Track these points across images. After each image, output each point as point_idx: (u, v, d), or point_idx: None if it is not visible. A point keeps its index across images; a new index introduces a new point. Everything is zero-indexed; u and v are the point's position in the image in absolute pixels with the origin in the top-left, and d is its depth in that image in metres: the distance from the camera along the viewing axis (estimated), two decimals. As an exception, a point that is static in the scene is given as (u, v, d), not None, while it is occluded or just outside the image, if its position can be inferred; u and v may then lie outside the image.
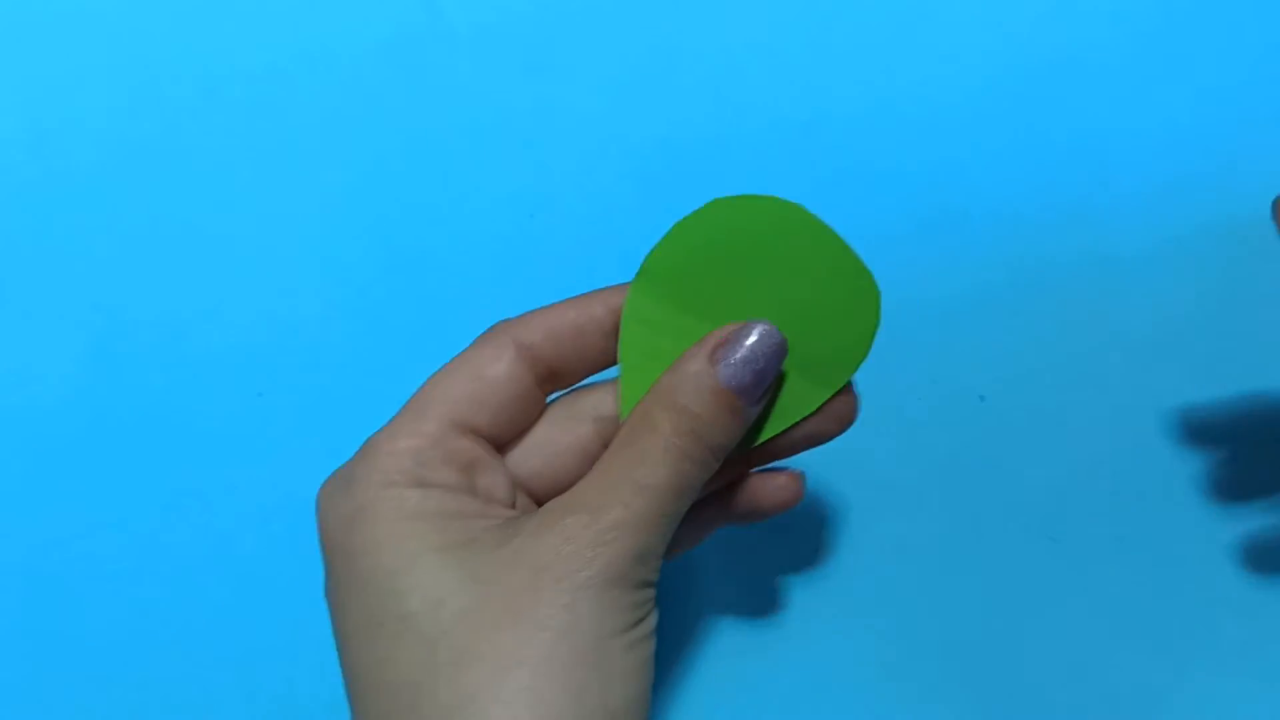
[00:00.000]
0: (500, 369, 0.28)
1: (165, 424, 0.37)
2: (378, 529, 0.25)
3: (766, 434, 0.29)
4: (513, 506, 0.28)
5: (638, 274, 0.28)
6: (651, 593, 0.26)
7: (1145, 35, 0.39)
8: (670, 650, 0.35)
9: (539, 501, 0.29)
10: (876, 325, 0.28)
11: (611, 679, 0.24)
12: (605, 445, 0.29)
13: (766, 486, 0.30)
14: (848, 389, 0.29)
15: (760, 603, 0.36)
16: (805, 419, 0.28)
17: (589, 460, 0.29)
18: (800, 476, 0.30)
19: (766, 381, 0.27)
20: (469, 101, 0.40)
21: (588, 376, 0.30)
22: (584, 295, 0.29)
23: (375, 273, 0.38)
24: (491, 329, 0.29)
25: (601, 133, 0.39)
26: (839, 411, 0.29)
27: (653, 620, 0.26)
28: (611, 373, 0.29)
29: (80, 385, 0.38)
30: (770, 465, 0.31)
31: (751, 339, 0.27)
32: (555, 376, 0.29)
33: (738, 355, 0.27)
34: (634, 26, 0.40)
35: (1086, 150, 0.38)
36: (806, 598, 0.36)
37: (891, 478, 0.36)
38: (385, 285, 0.38)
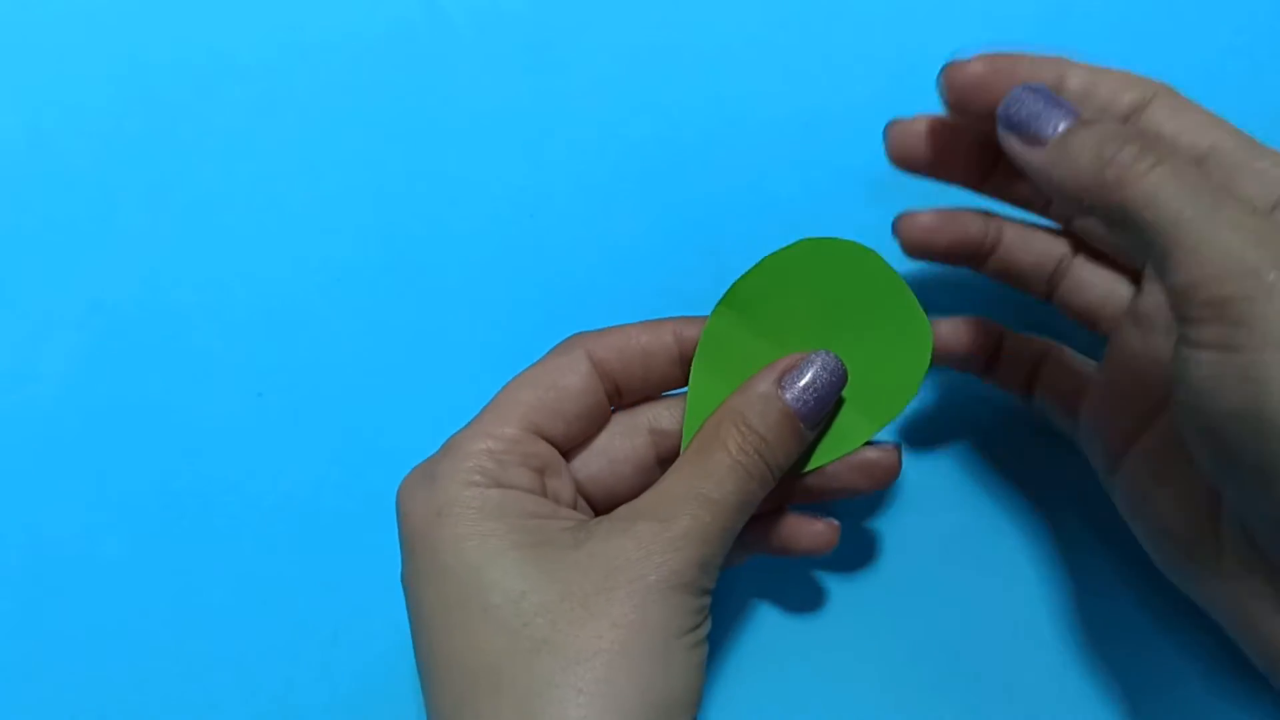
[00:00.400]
0: (576, 381, 0.30)
1: (164, 424, 0.37)
2: (460, 526, 0.28)
3: (815, 462, 0.31)
4: (575, 509, 0.31)
5: (722, 300, 0.31)
6: (709, 600, 0.29)
7: (1146, 34, 0.39)
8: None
9: (593, 504, 0.32)
10: (926, 368, 0.31)
11: (674, 675, 0.27)
12: (660, 457, 0.32)
13: (803, 528, 0.32)
14: (894, 451, 0.31)
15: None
16: (851, 461, 0.31)
17: (643, 470, 0.32)
18: (836, 528, 0.32)
19: (826, 408, 0.30)
20: (469, 100, 0.40)
21: (649, 396, 0.32)
22: (658, 321, 0.32)
23: (375, 272, 0.38)
24: (568, 341, 0.31)
25: (602, 131, 0.39)
26: (881, 469, 0.31)
27: (708, 626, 0.29)
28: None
29: (79, 385, 0.38)
30: (809, 507, 0.33)
31: (816, 367, 0.30)
32: (620, 393, 0.32)
33: (802, 381, 0.29)
34: (634, 25, 0.40)
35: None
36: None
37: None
38: (385, 284, 0.38)
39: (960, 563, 0.36)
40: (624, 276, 0.38)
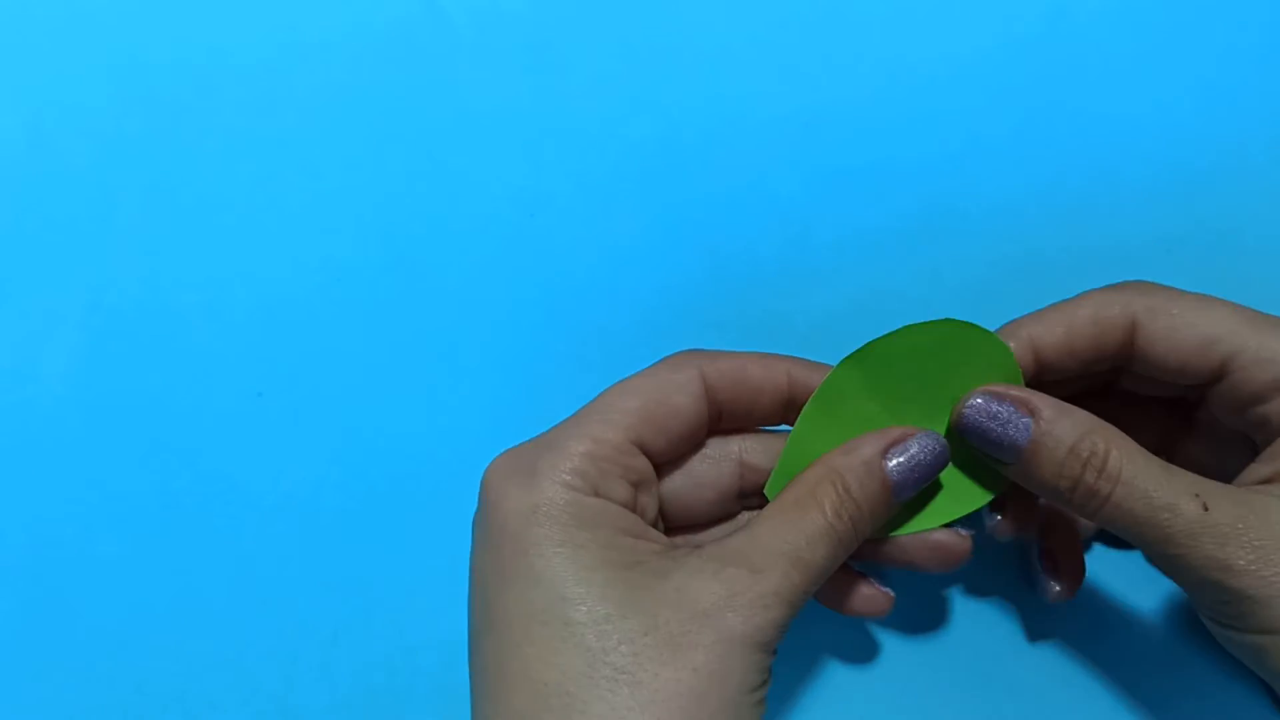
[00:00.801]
0: (686, 401, 0.30)
1: (164, 423, 0.37)
2: (555, 530, 0.27)
3: (893, 531, 0.31)
4: (656, 526, 0.30)
5: (854, 355, 0.30)
6: (772, 660, 0.28)
7: (1146, 32, 0.39)
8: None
9: (667, 520, 0.32)
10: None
11: None
12: (743, 490, 0.32)
13: (861, 590, 0.32)
14: (967, 539, 0.31)
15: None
16: (927, 540, 0.31)
17: (724, 497, 0.32)
18: (891, 599, 0.32)
19: (922, 486, 0.30)
20: (469, 99, 0.39)
21: (745, 428, 0.32)
22: (774, 356, 0.31)
23: (375, 272, 0.38)
24: (680, 356, 0.31)
25: (602, 131, 0.39)
26: (953, 554, 0.31)
27: (768, 687, 0.28)
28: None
29: (79, 384, 0.38)
30: (870, 570, 0.33)
31: (922, 444, 0.29)
32: (720, 419, 0.31)
33: (907, 455, 0.29)
34: (634, 25, 0.40)
35: (1086, 147, 0.38)
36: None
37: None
38: (385, 284, 0.38)
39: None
40: (624, 276, 0.38)
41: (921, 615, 0.35)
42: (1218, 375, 0.30)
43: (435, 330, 0.38)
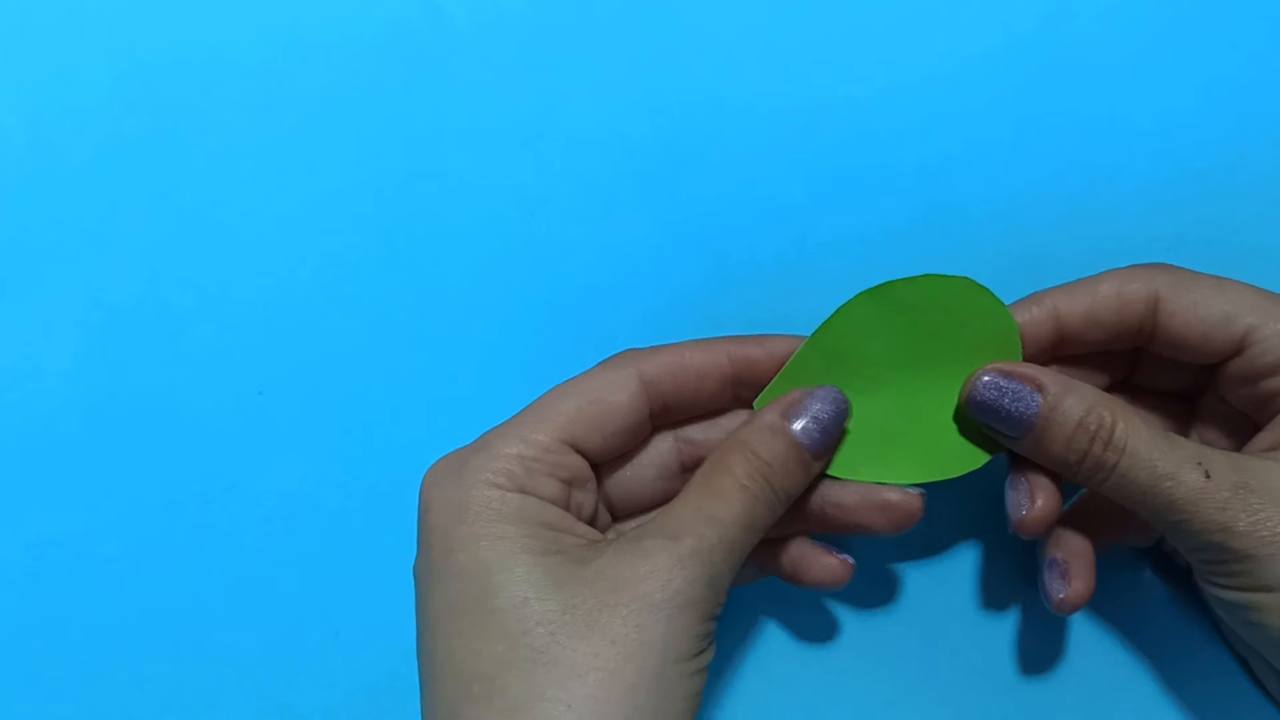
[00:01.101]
0: (621, 398, 0.30)
1: (165, 422, 0.37)
2: (476, 526, 0.28)
3: (926, 477, 0.31)
4: (595, 523, 0.31)
5: (871, 290, 0.31)
6: (714, 626, 0.28)
7: (1146, 31, 0.39)
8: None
9: (619, 513, 0.32)
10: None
11: (667, 701, 0.26)
12: (682, 463, 0.32)
13: (818, 559, 0.32)
14: (917, 497, 0.31)
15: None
16: (871, 498, 0.31)
17: (665, 474, 0.32)
18: (849, 566, 0.32)
19: (831, 439, 0.30)
20: (469, 98, 0.39)
21: (698, 417, 0.32)
22: (711, 340, 0.32)
23: (375, 271, 0.38)
24: (618, 357, 0.31)
25: (602, 130, 0.39)
26: (901, 512, 0.31)
27: (710, 654, 0.28)
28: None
29: (79, 383, 0.38)
30: (829, 539, 0.33)
31: (819, 401, 0.30)
32: (667, 412, 0.32)
33: (807, 414, 0.30)
34: (635, 23, 0.40)
35: (1086, 147, 0.38)
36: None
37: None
38: (385, 283, 0.38)
39: (965, 575, 0.36)
40: (624, 275, 0.38)
41: (921, 613, 0.36)
42: (1237, 348, 0.30)
43: (436, 330, 0.38)
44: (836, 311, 0.31)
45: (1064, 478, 0.30)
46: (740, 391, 0.32)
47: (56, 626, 0.36)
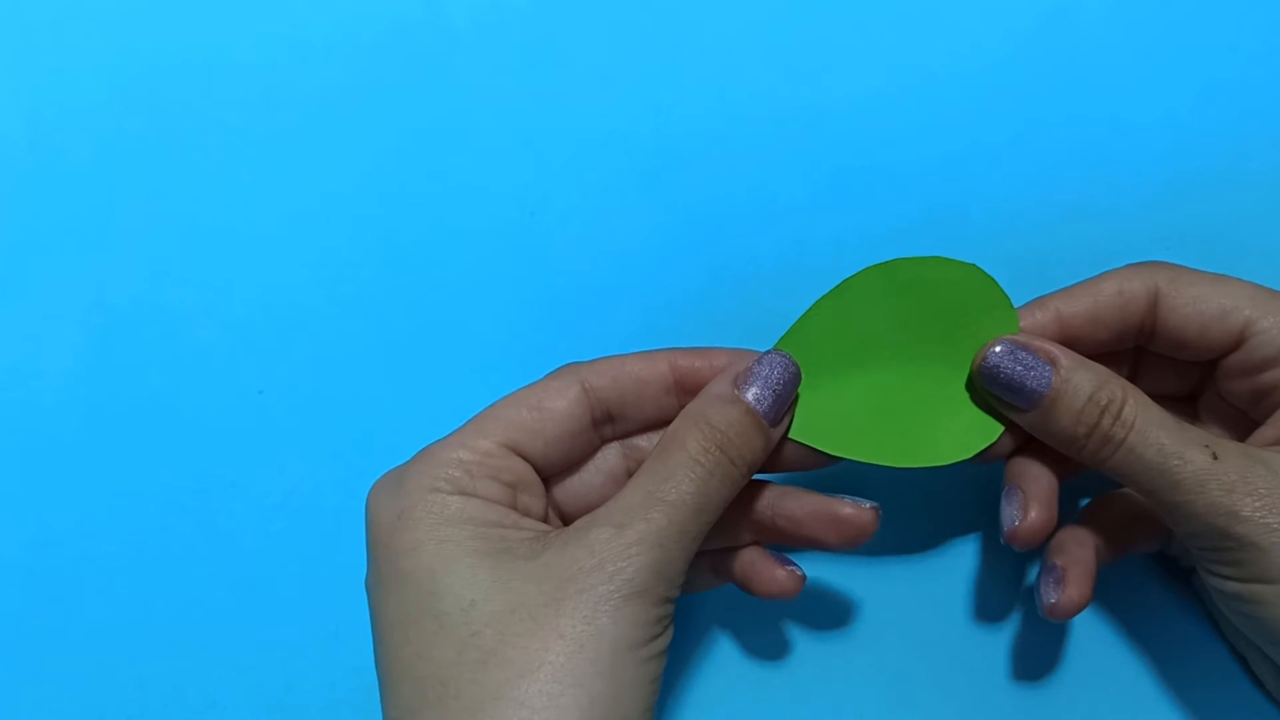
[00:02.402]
0: (561, 405, 0.30)
1: (165, 422, 0.37)
2: (419, 531, 0.27)
3: (912, 461, 0.31)
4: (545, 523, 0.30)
5: (880, 265, 0.31)
6: (669, 609, 0.28)
7: (1146, 31, 0.39)
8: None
9: (571, 520, 0.32)
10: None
11: (623, 689, 0.26)
12: (629, 468, 0.32)
13: (766, 570, 0.32)
14: (871, 511, 0.31)
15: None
16: (822, 513, 0.31)
17: (613, 479, 0.32)
18: (798, 580, 0.31)
19: (785, 404, 0.30)
20: (469, 98, 0.39)
21: (646, 428, 0.32)
22: (653, 351, 0.32)
23: (376, 270, 0.38)
24: (561, 368, 0.31)
25: (602, 130, 0.39)
26: (852, 527, 0.31)
27: (667, 638, 0.28)
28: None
29: (79, 383, 0.38)
30: (783, 551, 0.32)
31: (768, 365, 0.30)
32: (613, 420, 0.31)
33: (757, 380, 0.30)
34: (635, 23, 0.40)
35: (1087, 147, 0.38)
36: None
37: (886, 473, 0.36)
38: (386, 283, 0.38)
39: (944, 572, 0.36)
40: (625, 275, 0.38)
41: (920, 613, 0.36)
42: (1236, 342, 0.31)
43: (436, 329, 0.38)
44: (842, 283, 0.31)
45: (1068, 454, 0.30)
46: (685, 401, 0.31)
47: (56, 626, 0.36)
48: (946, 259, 0.31)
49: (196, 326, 0.38)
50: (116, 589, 0.36)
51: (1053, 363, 0.30)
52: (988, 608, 0.36)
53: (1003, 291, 0.31)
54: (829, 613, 0.36)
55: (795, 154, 0.39)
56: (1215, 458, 0.28)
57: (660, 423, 0.32)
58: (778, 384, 0.30)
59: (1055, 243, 0.38)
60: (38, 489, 0.37)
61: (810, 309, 0.31)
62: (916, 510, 0.36)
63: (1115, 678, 0.35)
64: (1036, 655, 0.35)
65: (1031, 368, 0.30)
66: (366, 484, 0.36)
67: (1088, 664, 0.35)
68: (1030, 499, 0.31)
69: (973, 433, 0.31)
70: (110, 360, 0.38)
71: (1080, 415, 0.29)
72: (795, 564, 0.32)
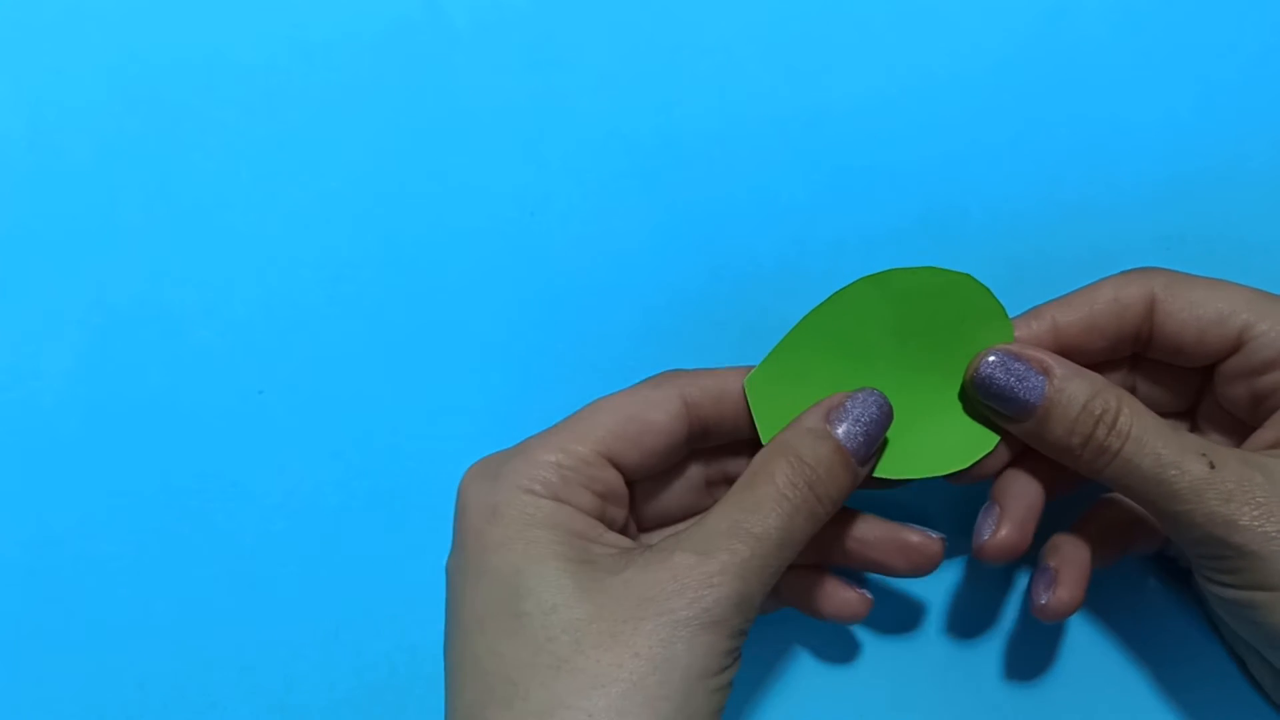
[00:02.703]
0: (661, 419, 0.30)
1: (165, 422, 0.37)
2: (510, 529, 0.28)
3: (910, 473, 0.31)
4: (629, 537, 0.30)
5: (872, 277, 0.31)
6: (741, 641, 0.28)
7: (1146, 31, 0.39)
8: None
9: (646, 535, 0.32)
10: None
11: (689, 716, 0.26)
12: (708, 477, 0.32)
13: (836, 592, 0.32)
14: (938, 541, 0.31)
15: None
16: (894, 539, 0.31)
17: (693, 487, 0.32)
18: (868, 602, 0.32)
19: (875, 443, 0.30)
20: (469, 98, 0.39)
21: (735, 445, 0.32)
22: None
23: (375, 270, 0.38)
24: (661, 376, 0.31)
25: (603, 130, 0.39)
26: (921, 555, 0.31)
27: (735, 669, 0.28)
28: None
29: (79, 383, 0.38)
30: (849, 574, 0.33)
31: (864, 403, 0.30)
32: (705, 435, 0.31)
33: (849, 417, 0.29)
34: (635, 23, 0.40)
35: (1086, 147, 0.38)
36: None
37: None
38: (386, 283, 0.38)
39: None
40: (625, 276, 0.38)
41: (919, 613, 0.36)
42: (1234, 346, 0.30)
43: (436, 329, 0.38)
44: (835, 294, 0.31)
45: (1065, 464, 0.30)
46: None
47: (57, 626, 0.36)
48: (940, 269, 0.31)
49: (196, 326, 0.38)
50: (116, 589, 0.36)
51: (1046, 372, 0.29)
52: (987, 608, 0.36)
53: (997, 300, 0.31)
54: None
55: (795, 154, 0.39)
56: (1212, 466, 0.28)
57: (747, 442, 0.32)
58: (869, 422, 0.30)
59: (1055, 243, 0.38)
60: (38, 489, 0.37)
61: (803, 320, 0.31)
62: (915, 510, 0.36)
63: (1114, 678, 0.35)
64: (1035, 656, 0.35)
65: (1024, 378, 0.29)
66: (366, 484, 0.37)
67: (1087, 664, 0.35)
68: (1005, 516, 0.30)
69: (969, 443, 0.31)
70: (110, 360, 0.38)
71: (1074, 425, 0.29)
72: (864, 588, 0.32)
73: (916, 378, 0.31)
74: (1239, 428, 0.32)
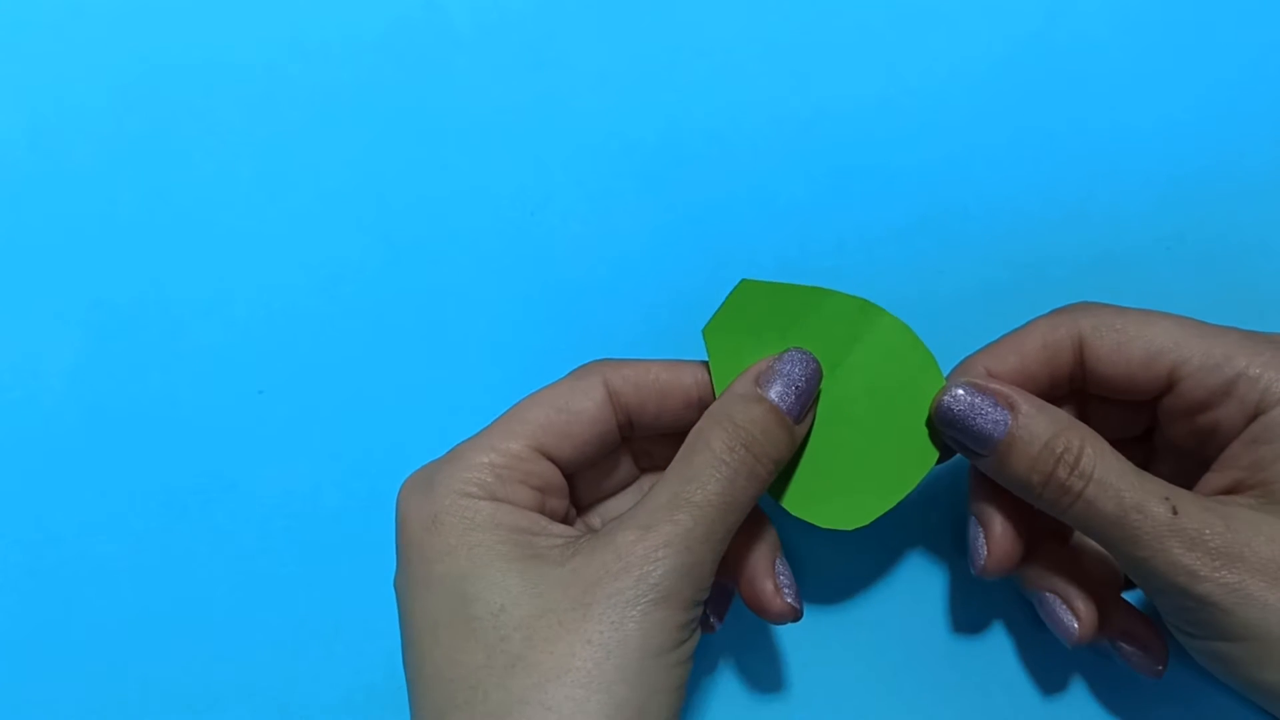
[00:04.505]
0: (589, 407, 0.30)
1: (165, 422, 0.37)
2: (451, 536, 0.28)
3: (863, 513, 0.31)
4: (573, 528, 0.30)
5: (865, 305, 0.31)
6: (697, 613, 0.28)
7: (1147, 31, 0.39)
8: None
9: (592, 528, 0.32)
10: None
11: (649, 695, 0.26)
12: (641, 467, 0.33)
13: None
14: (786, 610, 0.31)
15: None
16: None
17: (641, 491, 0.33)
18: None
19: (808, 399, 0.30)
20: (470, 98, 0.40)
21: (663, 435, 0.32)
22: (679, 361, 0.32)
23: (376, 270, 0.38)
24: (588, 366, 0.31)
25: (603, 130, 0.39)
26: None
27: (694, 642, 0.28)
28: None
29: (79, 383, 0.38)
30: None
31: (789, 363, 0.30)
32: (633, 425, 0.31)
33: (780, 377, 0.30)
34: (635, 24, 0.40)
35: (1087, 147, 0.38)
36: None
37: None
38: (386, 283, 0.38)
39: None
40: (625, 276, 0.38)
41: (918, 613, 0.36)
42: (1166, 386, 0.30)
43: (436, 329, 0.38)
44: (821, 290, 0.31)
45: (1027, 502, 0.30)
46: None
47: (57, 626, 0.36)
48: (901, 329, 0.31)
49: (196, 326, 0.38)
50: (116, 589, 0.36)
51: (1011, 407, 0.29)
52: (986, 607, 0.36)
53: (925, 348, 0.31)
54: (826, 612, 0.36)
55: (795, 154, 0.39)
56: (1175, 512, 0.27)
57: (677, 433, 0.31)
58: (800, 380, 0.30)
59: (1055, 243, 0.38)
60: (38, 489, 0.37)
61: (785, 286, 0.31)
62: (913, 508, 0.36)
63: (1113, 679, 0.35)
64: (1034, 655, 0.35)
65: (986, 412, 0.29)
66: (366, 484, 0.37)
67: (1086, 665, 0.35)
68: (991, 533, 0.31)
69: (895, 480, 0.31)
70: (110, 360, 0.38)
71: (1035, 463, 0.28)
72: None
73: (841, 411, 0.31)
74: (1193, 456, 0.31)
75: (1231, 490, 0.29)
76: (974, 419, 0.29)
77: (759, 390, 0.29)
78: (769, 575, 0.31)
